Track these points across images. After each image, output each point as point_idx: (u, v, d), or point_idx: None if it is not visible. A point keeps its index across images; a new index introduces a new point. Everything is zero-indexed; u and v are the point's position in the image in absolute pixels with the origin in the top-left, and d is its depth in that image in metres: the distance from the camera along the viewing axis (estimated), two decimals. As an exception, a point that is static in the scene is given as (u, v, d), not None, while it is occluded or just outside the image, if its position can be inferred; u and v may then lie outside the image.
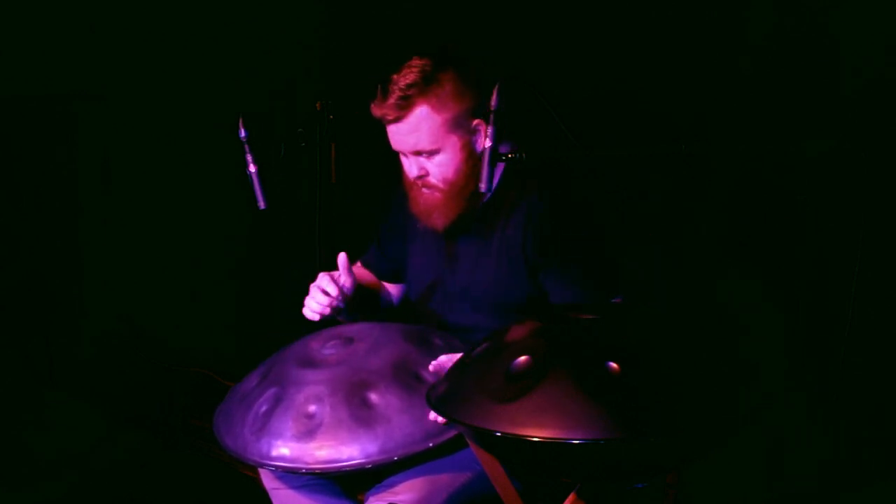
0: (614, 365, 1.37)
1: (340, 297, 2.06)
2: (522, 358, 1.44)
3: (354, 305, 2.14)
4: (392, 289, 2.37)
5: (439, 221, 2.03)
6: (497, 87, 1.71)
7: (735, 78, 2.60)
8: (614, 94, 2.78)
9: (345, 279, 2.08)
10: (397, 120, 1.94)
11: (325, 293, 2.05)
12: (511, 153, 1.77)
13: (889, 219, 2.27)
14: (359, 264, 2.39)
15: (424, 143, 1.95)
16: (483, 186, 1.75)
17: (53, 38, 3.30)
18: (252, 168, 2.24)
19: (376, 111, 1.95)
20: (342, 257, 2.09)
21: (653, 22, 2.74)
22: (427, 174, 2.00)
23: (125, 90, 3.45)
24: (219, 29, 3.48)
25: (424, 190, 2.02)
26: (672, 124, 2.62)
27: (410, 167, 2.01)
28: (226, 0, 3.48)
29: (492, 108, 1.72)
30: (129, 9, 3.39)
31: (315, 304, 2.06)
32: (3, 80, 3.22)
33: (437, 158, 1.97)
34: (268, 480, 1.97)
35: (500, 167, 2.03)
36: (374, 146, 2.08)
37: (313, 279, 2.09)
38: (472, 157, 1.98)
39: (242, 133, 2.24)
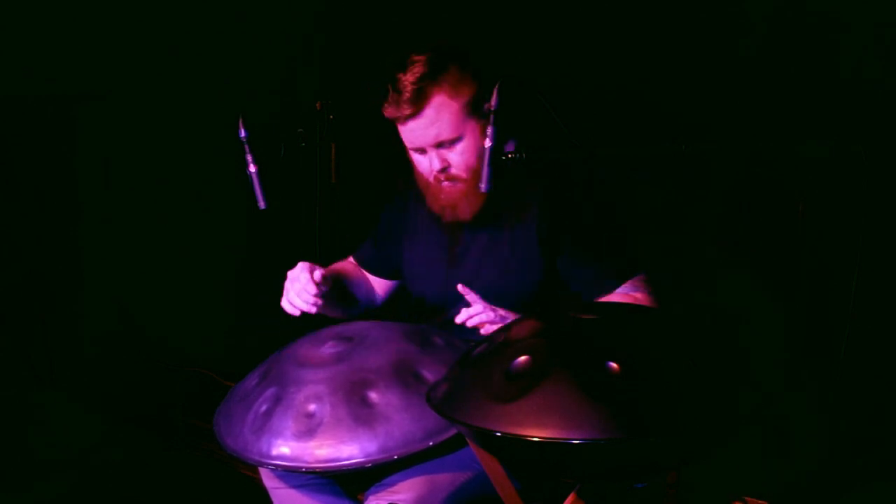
0: (614, 365, 1.37)
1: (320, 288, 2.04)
2: (522, 358, 1.44)
3: (333, 300, 2.14)
4: (379, 286, 2.37)
5: (465, 211, 2.01)
6: (497, 86, 1.71)
7: (735, 78, 2.60)
8: (614, 93, 2.78)
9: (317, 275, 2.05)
10: (415, 115, 1.92)
11: (311, 285, 2.01)
12: (512, 152, 1.77)
13: (889, 219, 2.27)
14: (350, 259, 2.39)
15: (446, 133, 1.93)
16: (483, 186, 1.75)
17: (54, 38, 3.30)
18: (252, 168, 2.24)
19: (391, 112, 1.93)
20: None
21: (653, 21, 2.74)
22: (449, 166, 1.98)
23: (125, 90, 3.46)
24: (219, 29, 3.49)
25: (446, 184, 2.00)
26: (671, 124, 2.62)
27: (432, 161, 1.98)
28: (226, 0, 3.48)
29: (492, 108, 1.72)
30: (129, 9, 3.39)
31: (299, 302, 2.03)
32: (3, 80, 3.22)
33: (459, 146, 1.96)
34: (268, 479, 1.97)
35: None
36: (374, 146, 2.08)
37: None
38: None
39: (242, 133, 2.24)
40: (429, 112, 1.92)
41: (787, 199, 2.44)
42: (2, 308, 3.38)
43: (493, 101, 1.72)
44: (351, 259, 2.39)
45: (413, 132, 1.95)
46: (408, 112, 1.91)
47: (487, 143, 1.74)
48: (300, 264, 2.06)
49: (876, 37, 2.38)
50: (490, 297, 2.04)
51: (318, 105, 2.55)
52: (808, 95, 2.46)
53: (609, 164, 2.58)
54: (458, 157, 1.97)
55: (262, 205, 2.24)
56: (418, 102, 1.90)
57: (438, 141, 1.95)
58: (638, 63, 2.75)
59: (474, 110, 1.94)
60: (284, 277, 2.07)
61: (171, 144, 3.52)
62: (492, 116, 1.72)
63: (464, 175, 1.98)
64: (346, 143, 2.63)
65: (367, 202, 2.89)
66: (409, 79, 1.90)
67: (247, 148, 2.24)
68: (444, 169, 1.98)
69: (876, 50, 2.38)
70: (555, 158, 1.99)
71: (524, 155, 1.78)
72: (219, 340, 3.54)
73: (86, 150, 3.53)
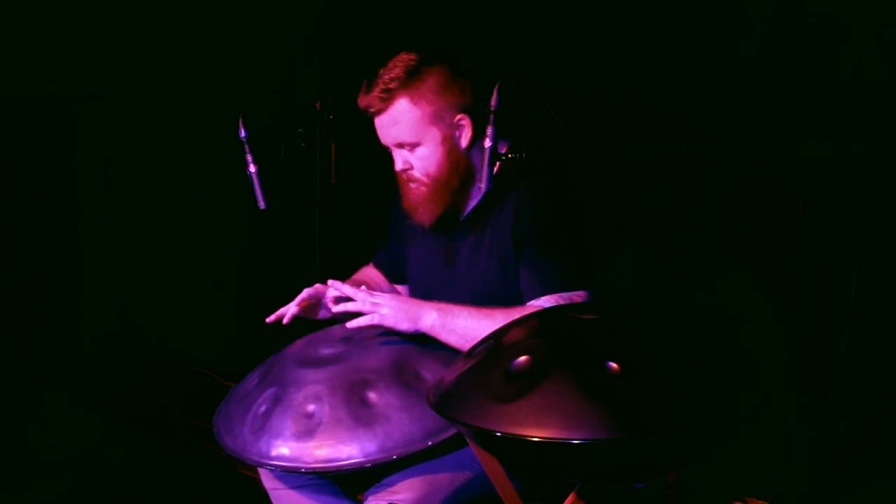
0: (614, 365, 1.37)
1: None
2: (522, 358, 1.44)
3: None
4: (402, 290, 2.37)
5: (425, 217, 2.05)
6: (497, 86, 1.72)
7: (735, 78, 2.60)
8: (614, 93, 2.78)
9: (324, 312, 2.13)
10: (379, 112, 1.98)
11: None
12: (510, 152, 1.77)
13: (889, 219, 2.27)
14: (371, 265, 2.39)
15: (405, 136, 1.98)
16: (483, 186, 1.76)
17: (54, 38, 3.30)
18: (252, 168, 2.24)
19: (361, 102, 1.99)
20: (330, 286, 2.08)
21: (652, 21, 2.74)
22: (411, 167, 2.02)
23: (125, 90, 3.46)
24: (219, 29, 3.49)
25: (411, 184, 2.04)
26: (671, 124, 2.62)
27: (396, 160, 2.04)
28: (226, 0, 3.48)
29: (492, 108, 1.72)
30: (129, 9, 3.39)
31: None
32: (3, 80, 3.22)
33: (419, 151, 2.00)
34: (267, 480, 1.97)
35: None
36: (374, 146, 2.09)
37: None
38: (454, 152, 2.00)
39: (242, 133, 2.24)
40: (391, 113, 1.96)
41: (787, 199, 2.44)
42: (2, 308, 3.38)
43: (494, 101, 1.72)
44: (371, 265, 2.39)
45: (378, 129, 2.02)
46: (373, 108, 1.98)
47: (487, 143, 1.74)
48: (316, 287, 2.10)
49: (876, 37, 2.37)
50: (482, 299, 2.04)
51: (318, 105, 2.55)
52: (808, 95, 2.46)
53: (609, 164, 2.59)
54: (418, 162, 2.01)
55: (262, 205, 2.24)
56: (384, 102, 1.96)
57: (398, 142, 2.00)
58: (638, 63, 2.75)
59: (440, 119, 1.97)
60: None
61: (171, 144, 3.52)
62: (491, 116, 1.73)
63: (424, 179, 2.02)
64: (346, 143, 2.63)
65: (367, 202, 2.90)
66: (383, 77, 1.95)
67: (247, 148, 2.25)
68: (406, 169, 2.03)
69: (876, 50, 2.37)
70: (537, 163, 1.99)
71: (524, 155, 1.78)
72: (219, 340, 3.54)
73: (86, 150, 3.53)
